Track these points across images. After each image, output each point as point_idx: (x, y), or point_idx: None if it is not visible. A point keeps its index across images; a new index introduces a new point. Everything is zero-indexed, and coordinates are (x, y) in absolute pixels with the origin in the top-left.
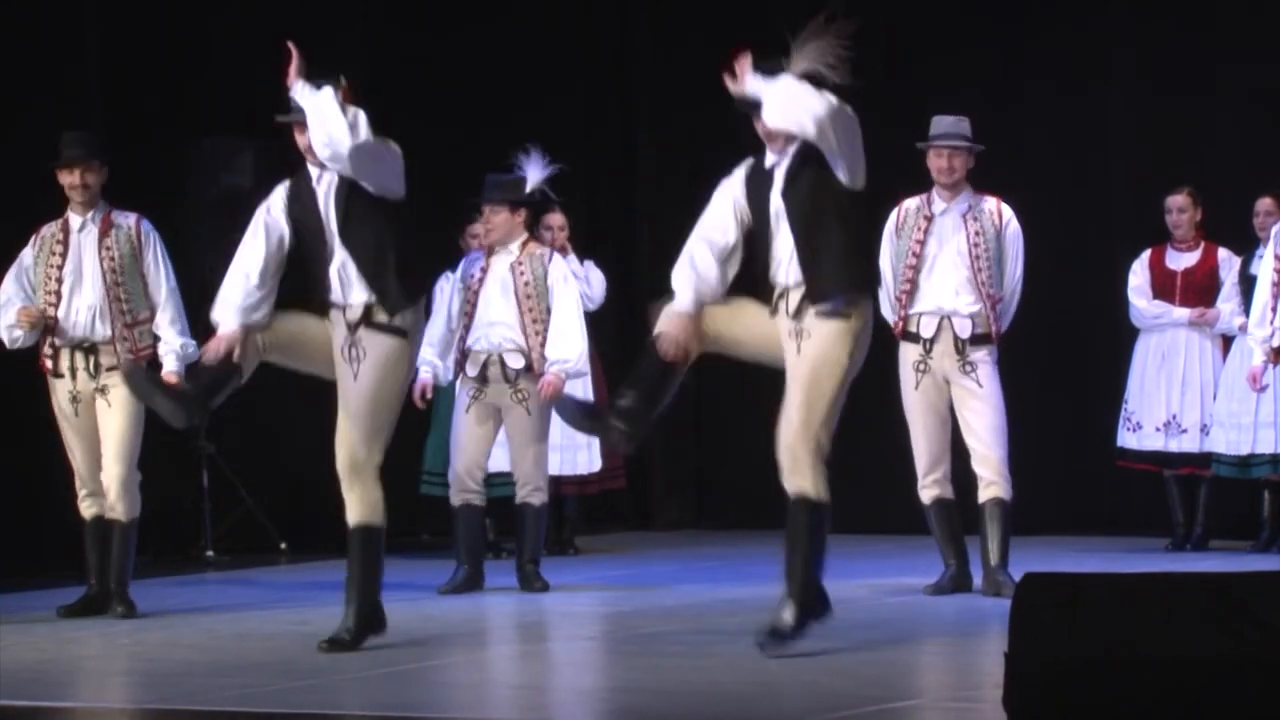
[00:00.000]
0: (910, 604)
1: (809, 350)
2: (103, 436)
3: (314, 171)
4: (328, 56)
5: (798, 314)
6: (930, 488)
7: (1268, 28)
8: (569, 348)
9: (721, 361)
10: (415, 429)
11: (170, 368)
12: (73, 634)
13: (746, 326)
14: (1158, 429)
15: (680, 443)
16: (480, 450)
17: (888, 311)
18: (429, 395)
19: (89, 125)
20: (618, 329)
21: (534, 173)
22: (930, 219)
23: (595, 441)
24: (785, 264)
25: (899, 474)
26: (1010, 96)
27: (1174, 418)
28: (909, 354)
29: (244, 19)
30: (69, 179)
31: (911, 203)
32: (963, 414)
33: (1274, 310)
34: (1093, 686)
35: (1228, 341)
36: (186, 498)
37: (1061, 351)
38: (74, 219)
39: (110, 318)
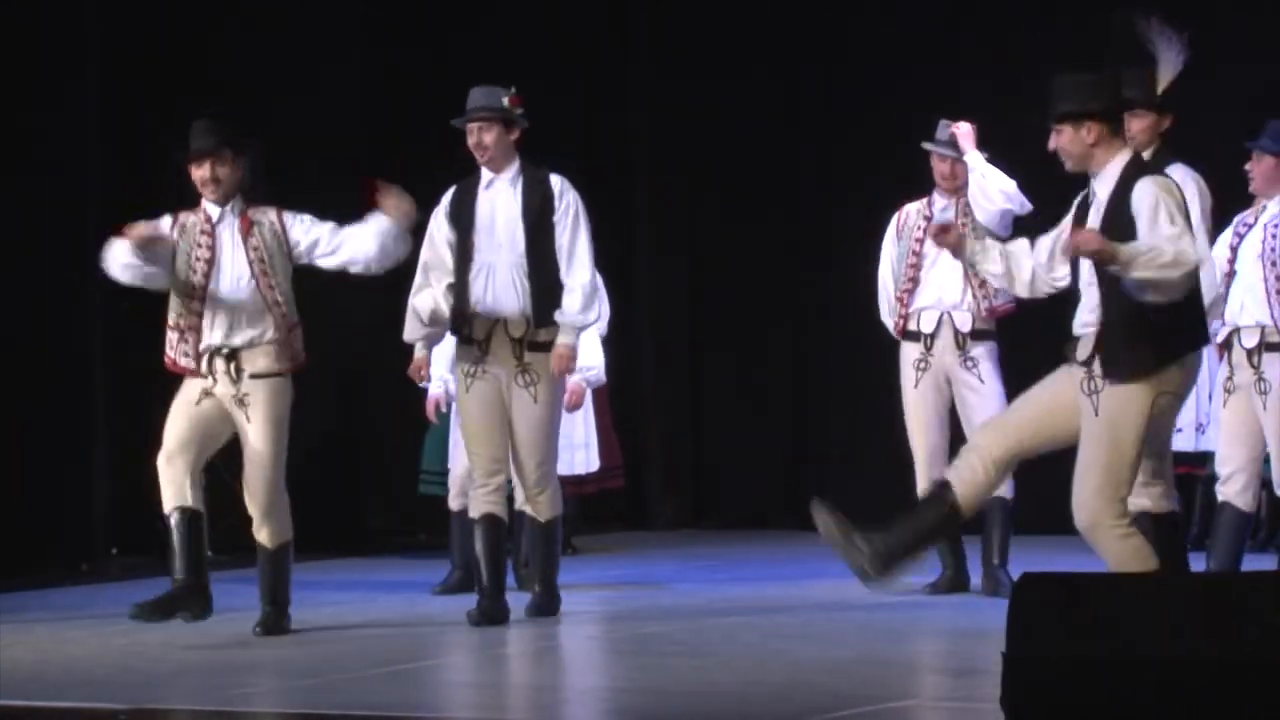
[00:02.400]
0: (909, 604)
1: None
2: (245, 456)
3: (486, 175)
4: (328, 59)
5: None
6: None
7: (1266, 27)
8: (590, 355)
9: (719, 360)
10: (415, 430)
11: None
12: (71, 634)
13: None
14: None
15: (679, 442)
16: None
17: (886, 316)
18: (443, 408)
19: (87, 125)
20: (617, 332)
21: None
22: (929, 219)
23: (593, 441)
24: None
25: (899, 474)
26: (1010, 96)
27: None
28: (909, 353)
29: (244, 19)
30: (198, 173)
31: (912, 206)
32: (964, 411)
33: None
34: (1091, 686)
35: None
36: None
37: (1061, 350)
38: (211, 210)
39: (263, 324)
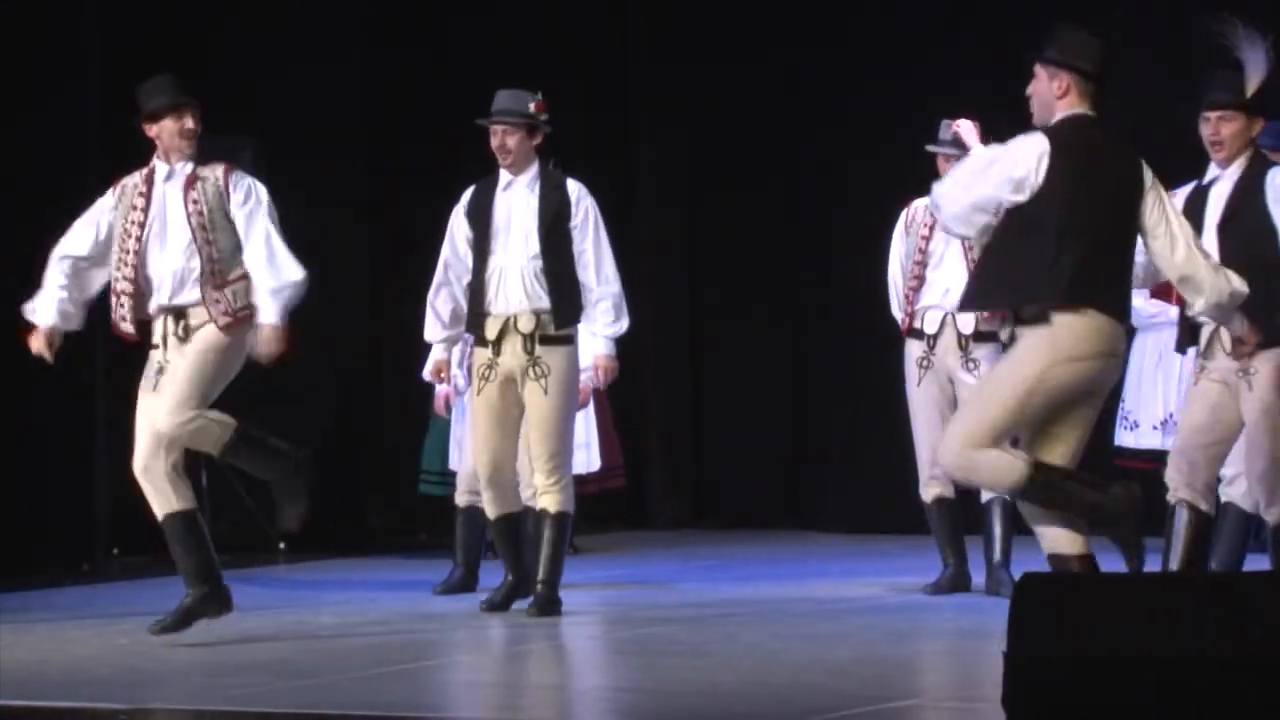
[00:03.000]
0: (910, 604)
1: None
2: None
3: (505, 177)
4: (328, 59)
5: None
6: (931, 485)
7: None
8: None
9: (719, 360)
10: (415, 430)
11: (268, 318)
12: (72, 634)
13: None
14: (1155, 427)
15: (679, 442)
16: None
17: (897, 311)
18: (453, 403)
19: (86, 125)
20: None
21: None
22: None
23: (593, 441)
24: None
25: (899, 474)
26: (1010, 96)
27: (1171, 416)
28: (913, 350)
29: (244, 18)
30: (177, 124)
31: (920, 202)
32: None
33: None
34: (1092, 686)
35: None
36: None
37: None
38: (160, 167)
39: (200, 277)
